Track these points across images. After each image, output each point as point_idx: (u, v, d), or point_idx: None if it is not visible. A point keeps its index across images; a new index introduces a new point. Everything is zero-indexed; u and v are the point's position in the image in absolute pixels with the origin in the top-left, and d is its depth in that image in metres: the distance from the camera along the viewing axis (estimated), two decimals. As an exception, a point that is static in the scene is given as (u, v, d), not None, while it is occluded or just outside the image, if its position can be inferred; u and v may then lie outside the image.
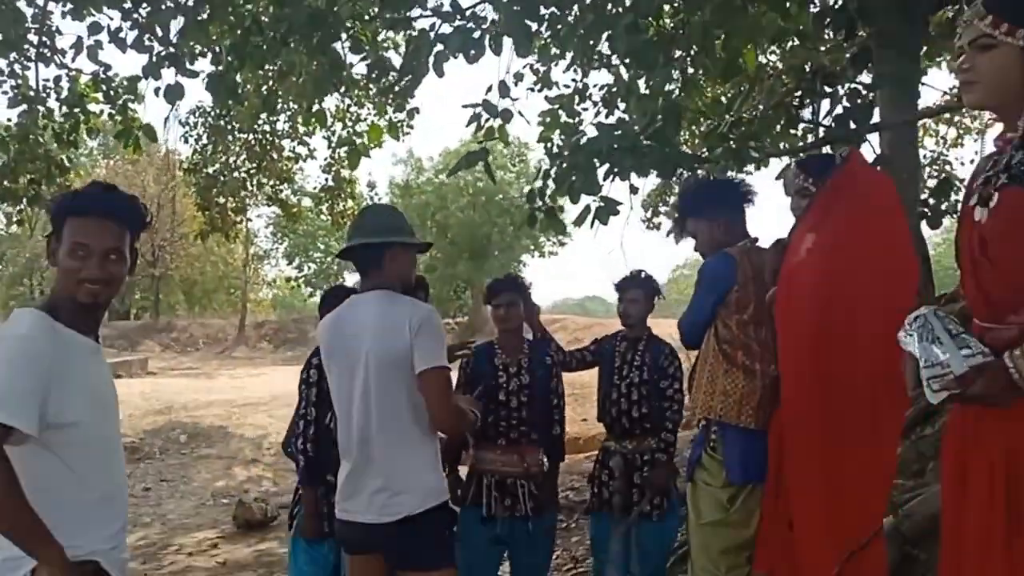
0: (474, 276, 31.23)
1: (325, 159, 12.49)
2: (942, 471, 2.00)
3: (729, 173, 5.25)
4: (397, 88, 7.16)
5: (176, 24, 5.96)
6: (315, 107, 7.93)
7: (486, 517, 3.67)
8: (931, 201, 5.14)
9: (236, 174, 12.46)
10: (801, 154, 5.46)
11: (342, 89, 7.37)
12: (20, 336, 1.90)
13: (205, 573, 6.07)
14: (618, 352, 3.98)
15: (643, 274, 4.09)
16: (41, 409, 1.84)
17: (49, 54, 7.63)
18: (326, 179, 13.11)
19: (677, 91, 6.45)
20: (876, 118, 5.14)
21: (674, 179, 6.78)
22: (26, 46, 7.55)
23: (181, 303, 40.20)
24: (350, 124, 10.90)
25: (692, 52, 6.03)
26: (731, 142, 5.13)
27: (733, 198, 3.16)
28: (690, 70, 6.32)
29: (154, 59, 6.04)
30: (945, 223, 5.61)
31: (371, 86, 7.96)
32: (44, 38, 7.51)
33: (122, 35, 6.16)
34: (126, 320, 34.52)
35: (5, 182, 8.08)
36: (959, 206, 2.08)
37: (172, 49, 6.09)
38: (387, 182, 36.27)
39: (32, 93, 7.95)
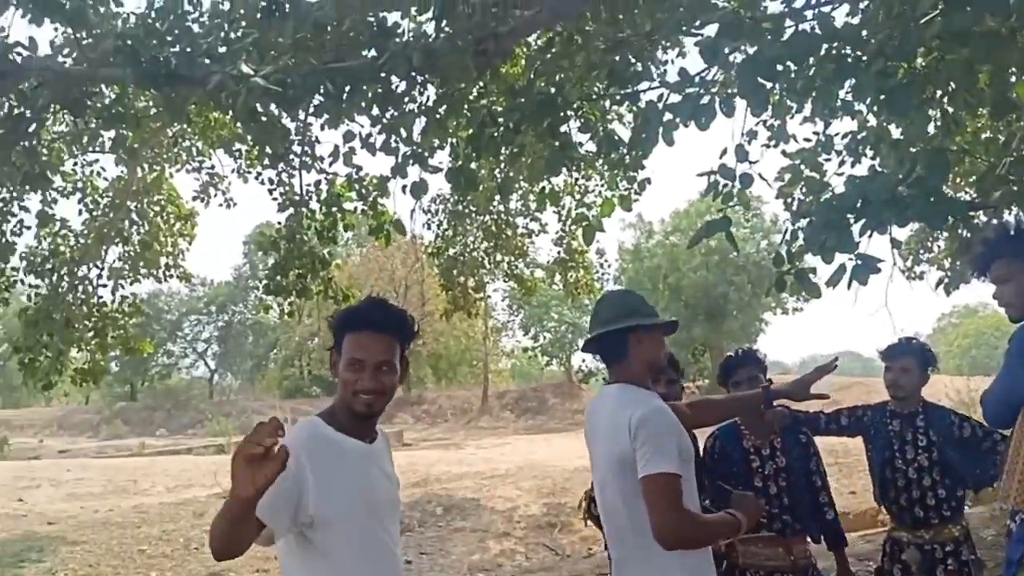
0: (711, 338, 30.36)
1: (557, 232, 12.75)
2: None
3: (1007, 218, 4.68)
4: (627, 160, 7.13)
5: (418, 125, 6.33)
6: (546, 186, 8.11)
7: None
8: None
9: (475, 254, 13.04)
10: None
11: (572, 167, 7.48)
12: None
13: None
14: (893, 432, 3.58)
15: (916, 341, 3.68)
16: (296, 508, 1.98)
17: (310, 162, 8.45)
18: (558, 252, 13.36)
19: (934, 134, 5.89)
20: None
21: (943, 228, 6.16)
22: (291, 156, 8.42)
23: (429, 376, 42.52)
24: (580, 197, 11.08)
25: (950, 90, 5.49)
26: (1011, 184, 4.55)
27: None
28: (950, 109, 5.74)
29: (399, 160, 6.44)
30: None
31: (600, 161, 8.02)
32: (306, 147, 8.32)
33: (372, 140, 6.65)
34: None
35: (278, 278, 8.95)
36: None
37: (416, 147, 6.48)
38: (616, 247, 36.45)
39: (297, 197, 8.81)
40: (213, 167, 11.90)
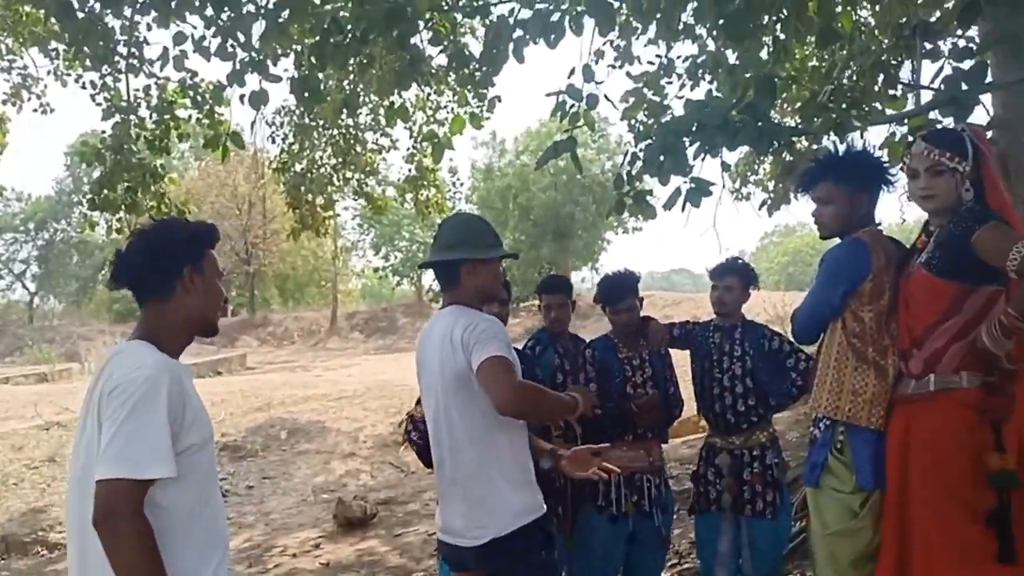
0: (558, 257, 31.11)
1: (408, 149, 12.53)
2: None
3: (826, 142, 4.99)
4: (477, 76, 7.06)
5: (257, 29, 5.99)
6: (396, 101, 7.92)
7: (617, 515, 3.66)
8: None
9: (323, 170, 12.63)
10: (906, 120, 5.14)
11: (422, 82, 7.32)
12: (148, 378, 1.90)
13: (309, 575, 6.17)
14: (714, 344, 3.86)
15: (740, 261, 3.94)
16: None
17: (138, 65, 7.83)
18: (409, 169, 13.17)
19: (768, 60, 6.16)
20: (989, 77, 4.77)
21: (768, 153, 6.50)
22: (116, 58, 7.77)
23: (275, 298, 41.44)
24: (431, 113, 10.91)
25: (782, 17, 5.74)
26: (831, 112, 4.85)
27: (881, 176, 2.91)
28: (781, 36, 6.01)
29: (237, 66, 6.10)
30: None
31: (451, 76, 7.90)
32: (133, 49, 7.70)
33: (206, 43, 6.25)
34: (224, 316, 35.83)
35: (104, 192, 8.34)
36: None
37: (255, 54, 6.14)
38: (469, 166, 36.35)
39: (124, 104, 8.18)
40: (26, 67, 10.83)
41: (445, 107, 10.74)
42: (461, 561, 2.63)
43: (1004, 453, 2.40)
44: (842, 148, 3.19)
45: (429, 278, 35.82)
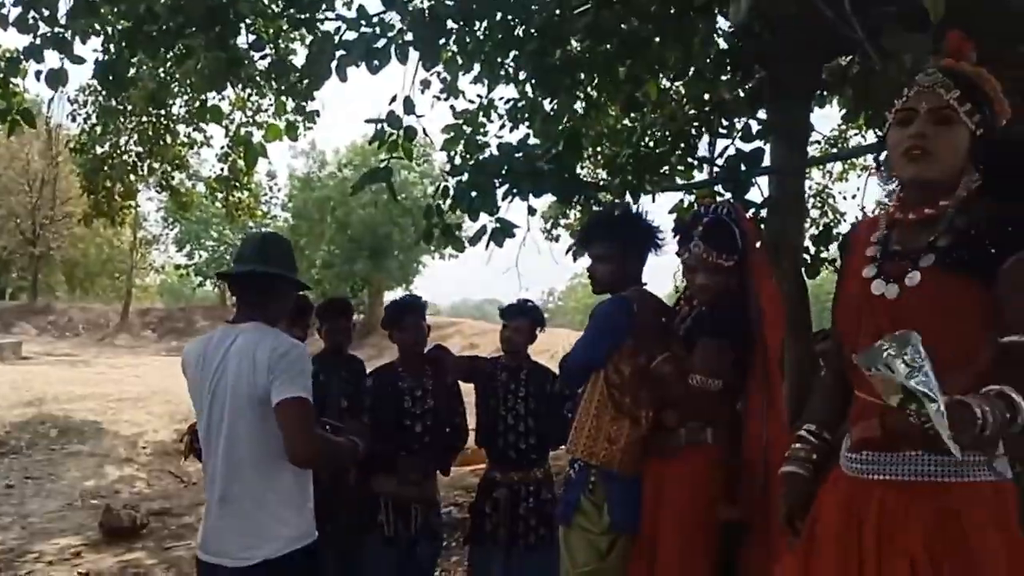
0: (373, 275, 30.83)
1: (222, 148, 12.05)
2: (806, 533, 1.93)
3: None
4: (298, 87, 6.95)
5: (65, 4, 5.61)
6: (211, 98, 7.64)
7: (389, 538, 3.72)
8: (812, 249, 5.34)
9: (126, 157, 11.88)
10: (694, 191, 5.58)
11: (239, 85, 7.11)
12: None
13: (64, 585, 5.74)
14: (500, 382, 3.98)
15: (529, 303, 4.11)
16: None
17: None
18: (222, 169, 12.66)
19: (581, 114, 6.51)
20: (767, 161, 5.31)
21: (571, 204, 6.83)
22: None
23: (61, 285, 38.21)
24: (250, 115, 10.58)
25: (595, 78, 6.09)
26: (628, 173, 5.21)
27: (652, 240, 3.10)
28: (594, 94, 6.38)
29: (37, 40, 5.67)
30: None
31: (272, 82, 7.72)
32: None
33: (5, 11, 5.77)
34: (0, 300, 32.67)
35: None
36: (839, 263, 2.11)
37: (60, 30, 5.73)
38: (287, 173, 35.35)
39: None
40: None
41: (266, 110, 10.45)
42: None
43: (735, 504, 2.65)
44: (617, 210, 3.40)
45: (235, 282, 34.37)
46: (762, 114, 5.91)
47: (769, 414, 2.75)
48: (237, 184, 12.98)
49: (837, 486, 1.87)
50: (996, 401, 1.52)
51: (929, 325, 1.72)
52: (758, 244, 2.94)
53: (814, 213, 12.26)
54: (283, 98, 7.97)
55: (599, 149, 7.45)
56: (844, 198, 12.98)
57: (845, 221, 12.21)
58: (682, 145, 6.34)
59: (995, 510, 1.71)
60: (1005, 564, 1.70)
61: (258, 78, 7.42)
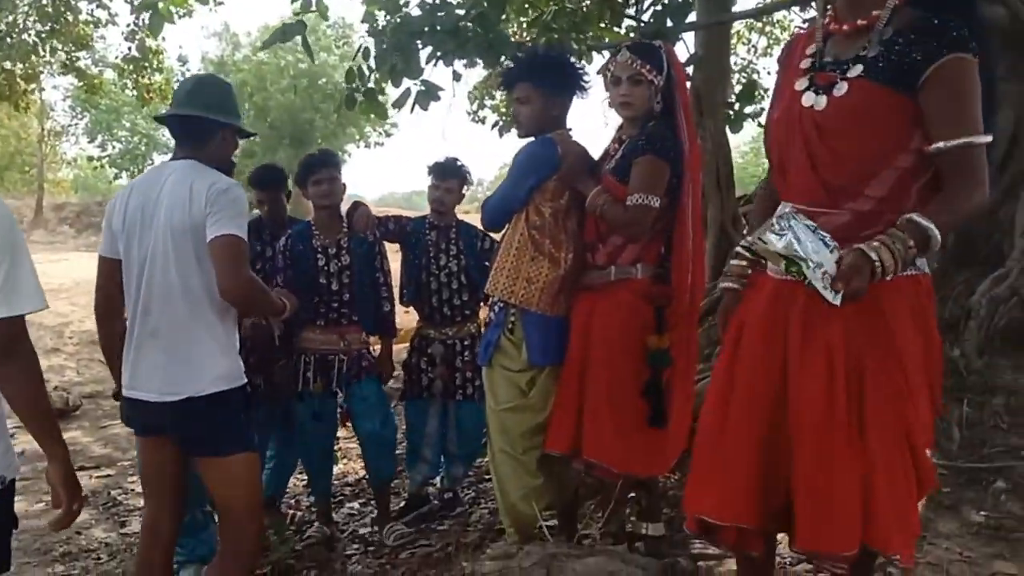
0: (295, 163, 30.01)
1: (128, 26, 11.38)
2: (731, 333, 2.03)
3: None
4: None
5: None
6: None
7: (302, 393, 3.74)
8: (736, 105, 5.35)
9: (25, 36, 11.15)
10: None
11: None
12: None
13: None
14: (430, 241, 3.98)
15: (459, 163, 4.06)
16: None
17: None
18: (129, 48, 11.97)
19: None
20: (692, 17, 5.25)
21: (499, 69, 6.67)
22: None
23: (-34, 180, 36.24)
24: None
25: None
26: (554, 32, 5.09)
27: (576, 82, 3.03)
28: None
29: None
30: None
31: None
32: None
33: None
34: None
35: None
36: (774, 90, 2.12)
37: None
38: (200, 57, 33.58)
39: None
40: None
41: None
42: (148, 422, 2.56)
43: (662, 335, 2.76)
44: (542, 51, 3.31)
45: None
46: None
47: (695, 256, 2.84)
48: (148, 66, 12.32)
49: (764, 288, 1.94)
50: (901, 236, 1.64)
51: (853, 134, 1.79)
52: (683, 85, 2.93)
53: (739, 89, 12.33)
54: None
55: (526, 7, 7.22)
56: (768, 73, 13.05)
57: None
58: (608, 9, 6.22)
59: (913, 302, 1.82)
60: (921, 352, 1.82)
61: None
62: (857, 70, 1.78)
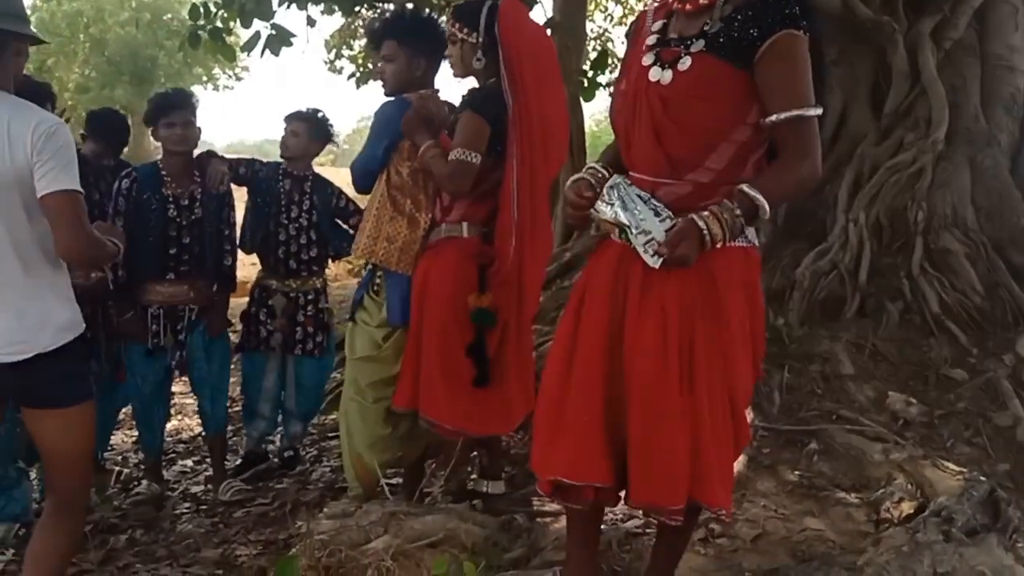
0: (135, 102, 28.12)
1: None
2: (575, 296, 2.07)
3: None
4: None
5: None
6: None
7: (153, 349, 3.55)
8: (589, 73, 5.44)
9: None
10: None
11: None
12: None
13: None
14: (282, 190, 3.83)
15: (316, 112, 3.93)
16: None
17: None
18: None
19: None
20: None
21: (356, 19, 6.49)
22: None
23: None
24: None
25: None
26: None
27: (441, 43, 3.00)
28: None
29: None
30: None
31: None
32: None
33: None
34: None
35: None
36: (622, 62, 2.16)
37: None
38: (29, -20, 30.76)
39: None
40: None
41: None
42: None
43: (484, 294, 2.80)
44: (410, 11, 3.27)
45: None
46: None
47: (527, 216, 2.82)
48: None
49: (607, 252, 1.99)
50: (730, 207, 1.77)
51: (694, 108, 1.85)
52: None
53: (594, 56, 12.55)
54: None
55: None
56: (622, 43, 13.31)
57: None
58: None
59: (744, 273, 1.93)
60: (748, 319, 1.94)
61: None
62: (699, 45, 1.84)
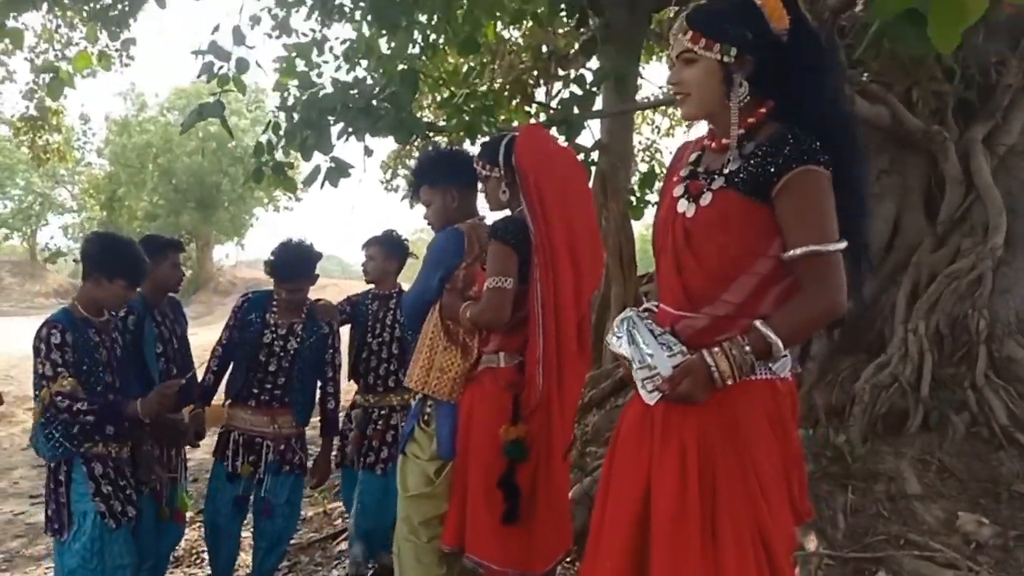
0: (200, 227, 29.41)
1: (27, 84, 11.01)
2: (613, 435, 2.07)
3: (466, 145, 5.35)
4: (112, 13, 6.44)
5: None
6: (10, 23, 6.95)
7: (231, 474, 3.62)
8: (637, 192, 5.56)
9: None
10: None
11: (44, 7, 6.47)
12: None
13: None
14: (370, 311, 4.02)
15: (389, 232, 4.10)
16: None
17: None
18: (27, 107, 11.58)
19: (418, 56, 6.43)
20: (599, 105, 5.47)
21: (411, 144, 6.77)
22: None
23: None
24: (59, 47, 9.70)
25: (435, 18, 6.04)
26: (465, 114, 5.21)
27: (467, 172, 3.05)
28: (432, 36, 6.31)
29: None
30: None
31: (83, 8, 7.11)
32: None
33: None
34: None
35: None
36: (660, 192, 2.21)
37: None
38: (103, 116, 32.79)
39: None
40: None
41: (77, 44, 9.62)
42: None
43: (516, 425, 2.70)
44: (434, 151, 3.40)
45: (46, 235, 31.99)
46: (594, 63, 6.07)
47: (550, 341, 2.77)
48: (45, 125, 11.91)
49: (638, 395, 1.98)
50: (740, 343, 1.77)
51: (713, 241, 1.89)
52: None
53: (643, 167, 12.79)
54: (95, 23, 7.35)
55: (437, 94, 7.40)
56: (670, 153, 13.54)
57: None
58: (519, 94, 6.43)
59: (768, 405, 1.87)
60: (778, 455, 1.87)
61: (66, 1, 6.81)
62: (720, 182, 1.89)
